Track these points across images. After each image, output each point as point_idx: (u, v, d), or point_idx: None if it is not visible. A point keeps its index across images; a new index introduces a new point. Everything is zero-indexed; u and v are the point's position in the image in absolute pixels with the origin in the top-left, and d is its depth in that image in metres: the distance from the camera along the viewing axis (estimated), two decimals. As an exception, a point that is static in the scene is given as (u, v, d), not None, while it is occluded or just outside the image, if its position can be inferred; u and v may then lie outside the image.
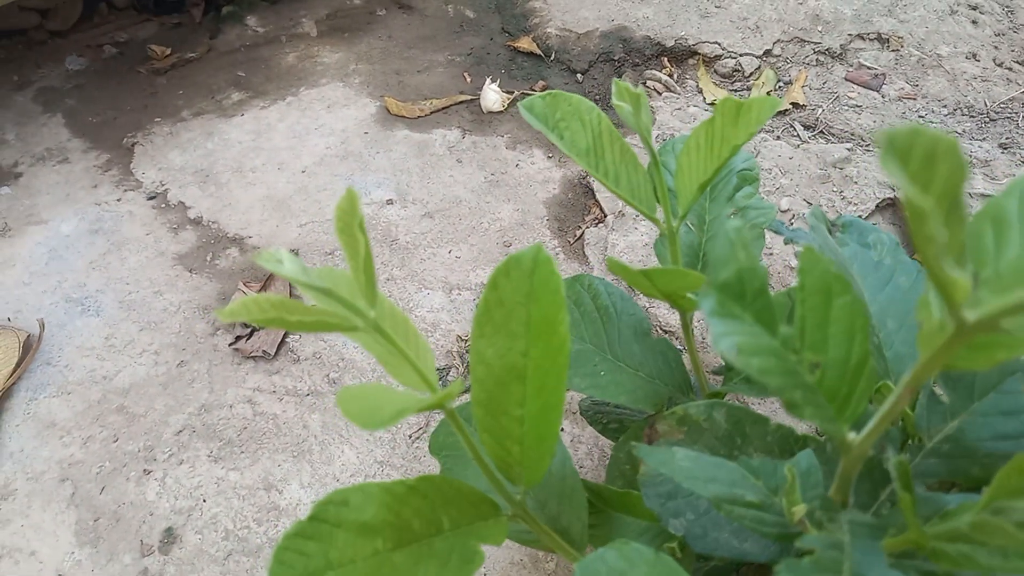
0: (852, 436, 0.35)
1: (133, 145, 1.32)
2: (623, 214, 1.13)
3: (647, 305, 1.01)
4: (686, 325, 0.61)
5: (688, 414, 0.54)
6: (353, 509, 0.43)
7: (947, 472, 0.48)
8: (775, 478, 0.46)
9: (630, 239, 1.11)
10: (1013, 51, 1.38)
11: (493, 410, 0.48)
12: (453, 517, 0.47)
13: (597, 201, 1.17)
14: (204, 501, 0.85)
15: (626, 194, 0.56)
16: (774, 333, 0.34)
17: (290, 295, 1.06)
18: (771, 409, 0.87)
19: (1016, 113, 1.24)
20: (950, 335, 0.27)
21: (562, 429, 0.90)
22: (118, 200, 1.22)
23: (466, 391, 0.87)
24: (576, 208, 1.17)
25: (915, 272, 0.58)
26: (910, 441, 0.50)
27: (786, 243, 0.72)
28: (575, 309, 0.69)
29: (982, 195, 1.09)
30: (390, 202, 1.18)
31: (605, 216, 1.15)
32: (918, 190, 0.20)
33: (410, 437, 0.89)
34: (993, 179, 1.13)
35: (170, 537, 0.82)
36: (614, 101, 0.54)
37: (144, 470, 0.88)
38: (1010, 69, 1.33)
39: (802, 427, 0.82)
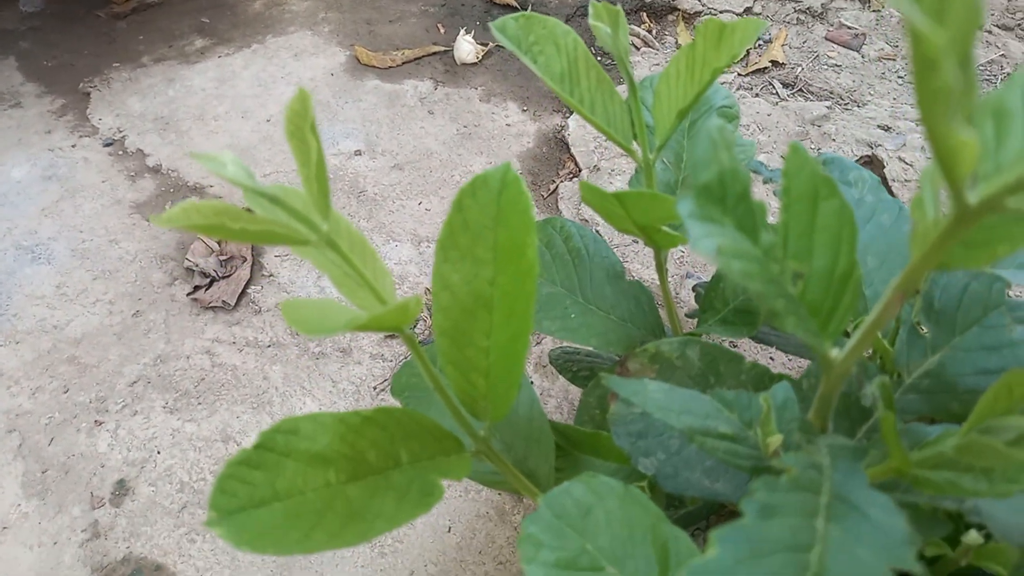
0: (835, 353, 0.33)
1: (90, 91, 1.27)
2: (598, 168, 1.11)
3: (622, 256, 0.99)
4: (660, 265, 0.59)
5: (660, 351, 0.52)
6: (303, 438, 0.41)
7: (927, 408, 0.46)
8: (750, 411, 0.43)
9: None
10: (992, 15, 1.36)
11: (458, 341, 0.45)
12: (413, 451, 0.44)
13: (572, 155, 1.14)
14: (158, 453, 0.81)
15: (601, 122, 0.53)
16: (756, 241, 0.32)
17: (251, 247, 1.02)
18: (746, 351, 0.86)
19: (995, 76, 1.23)
20: (948, 224, 0.24)
21: (531, 382, 0.88)
22: (73, 146, 1.17)
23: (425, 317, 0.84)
24: (550, 162, 1.14)
25: (896, 210, 0.56)
26: (890, 379, 0.48)
27: (765, 183, 0.70)
28: (546, 252, 0.67)
29: (960, 154, 1.08)
30: (358, 153, 1.14)
31: (580, 170, 1.12)
32: (932, 22, 0.18)
33: (375, 389, 0.86)
34: (970, 140, 1.11)
35: (122, 489, 0.79)
36: (591, 22, 0.51)
37: (95, 421, 0.84)
38: (989, 32, 1.32)
39: (777, 366, 0.81)
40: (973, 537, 0.44)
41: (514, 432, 0.56)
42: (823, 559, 0.27)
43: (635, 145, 0.56)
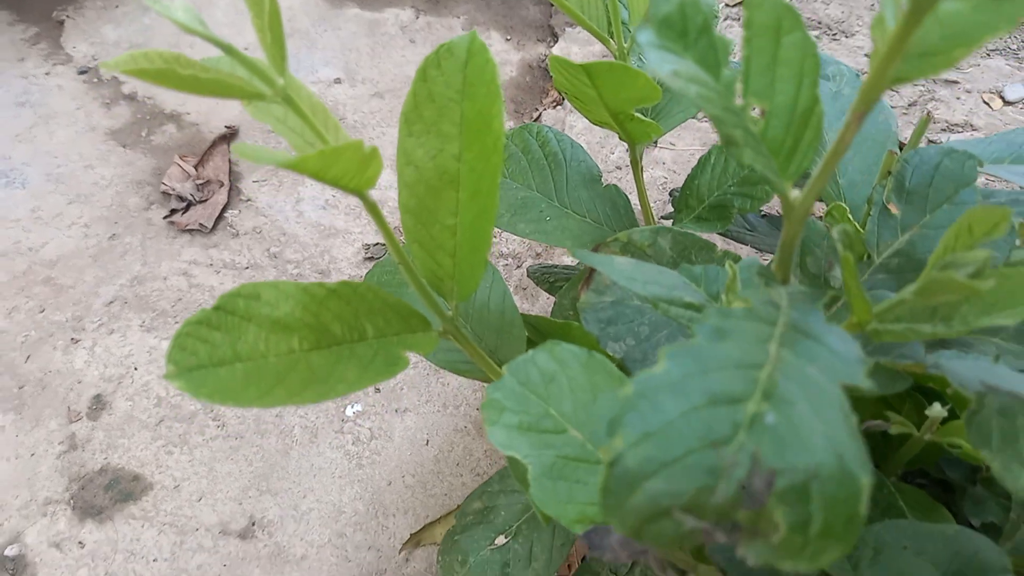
0: (795, 194, 0.32)
1: (64, 19, 1.24)
2: (581, 96, 1.09)
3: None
4: (635, 162, 0.58)
5: (632, 240, 0.52)
6: (265, 304, 0.40)
7: (896, 287, 0.46)
8: (716, 283, 0.43)
9: (588, 121, 1.07)
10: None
11: (424, 219, 0.44)
12: (378, 326, 0.44)
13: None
14: (135, 369, 0.81)
15: (574, 7, 0.52)
16: (717, 77, 0.31)
17: (229, 171, 1.01)
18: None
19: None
20: (905, 17, 0.24)
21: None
22: (46, 74, 1.14)
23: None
24: (534, 91, 1.13)
25: (873, 102, 0.55)
26: (861, 260, 0.48)
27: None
28: (523, 157, 0.66)
29: (946, 81, 1.07)
30: (338, 81, 1.12)
31: (563, 99, 1.10)
32: None
33: (353, 307, 0.85)
34: (958, 68, 1.11)
35: (99, 404, 0.78)
36: (562, -100, 0.50)
37: (72, 339, 0.83)
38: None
39: (747, 254, 0.81)
40: (936, 410, 0.45)
41: (485, 324, 0.56)
42: (772, 376, 0.27)
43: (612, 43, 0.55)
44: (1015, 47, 1.15)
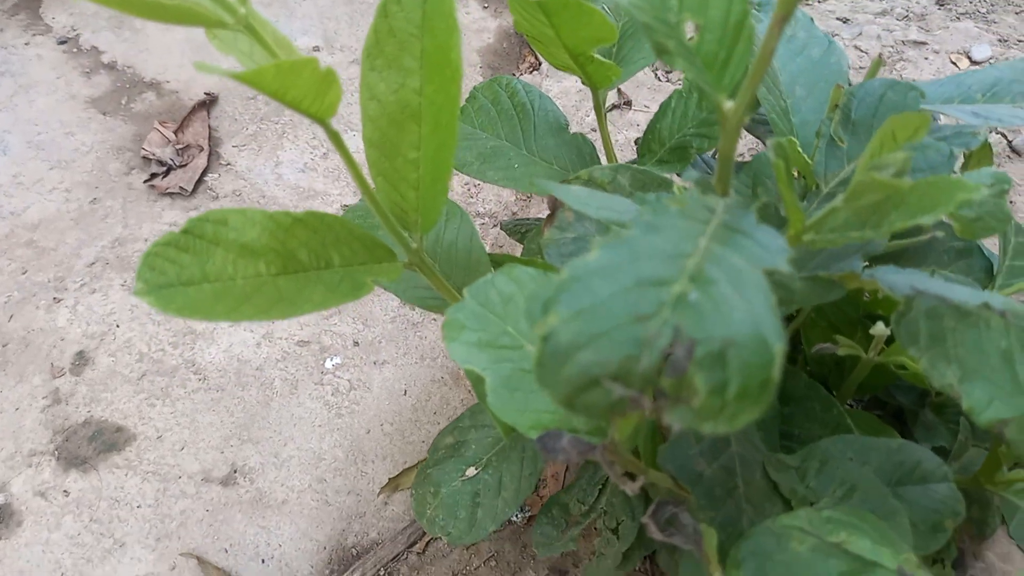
0: (728, 105, 0.34)
1: (41, -10, 1.24)
2: (557, 60, 1.10)
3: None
4: (598, 107, 0.60)
5: (593, 176, 0.53)
6: (232, 229, 0.42)
7: (841, 213, 0.48)
8: (669, 208, 0.45)
9: (564, 84, 1.08)
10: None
11: (387, 152, 0.46)
12: (344, 255, 0.46)
13: (532, 49, 1.14)
14: (117, 327, 0.82)
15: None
16: (653, -8, 0.33)
17: (209, 136, 1.02)
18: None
19: (954, -30, 1.23)
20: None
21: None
22: (26, 44, 1.15)
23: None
24: (511, 57, 1.14)
25: (826, 44, 0.57)
26: (809, 192, 0.50)
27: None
28: (492, 108, 0.68)
29: (915, 42, 1.09)
30: (316, 49, 1.13)
31: (540, 64, 1.12)
32: None
33: (331, 264, 0.87)
34: (927, 31, 1.12)
35: (82, 360, 0.80)
36: None
37: (54, 299, 0.85)
38: (952, -71, 1.32)
39: None
40: (880, 328, 0.47)
41: (453, 263, 0.57)
42: (700, 264, 0.29)
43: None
44: (984, 10, 1.17)
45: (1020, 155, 0.88)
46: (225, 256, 0.41)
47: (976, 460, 0.54)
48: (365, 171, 0.44)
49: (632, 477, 0.39)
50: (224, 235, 0.42)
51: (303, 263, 0.44)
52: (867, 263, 0.44)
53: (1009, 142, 0.89)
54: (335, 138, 0.42)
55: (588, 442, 0.36)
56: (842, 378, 0.54)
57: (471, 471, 0.57)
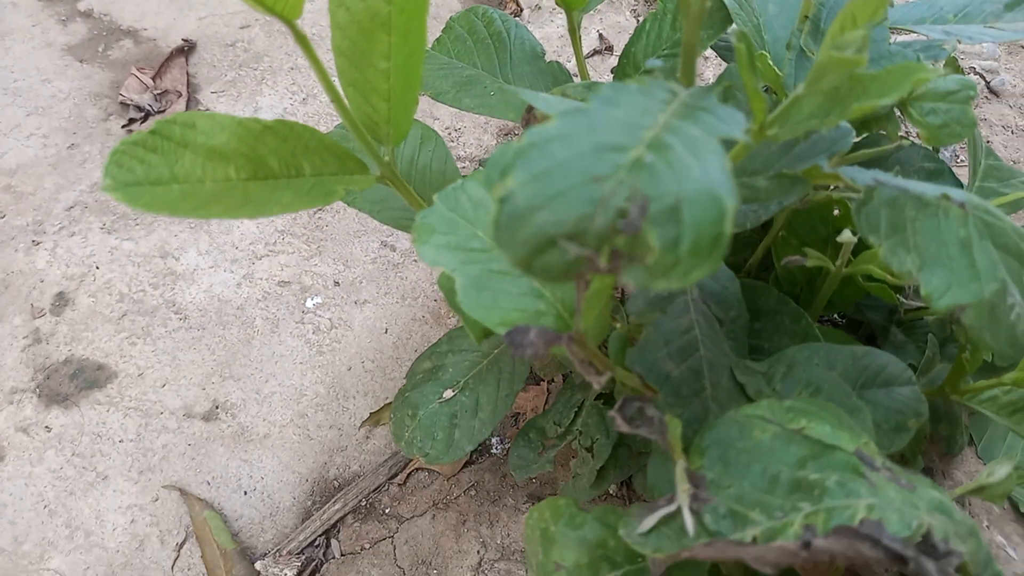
0: (693, -10, 0.34)
1: (16, -60, 1.22)
2: (539, 7, 1.10)
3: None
4: (572, 30, 0.60)
5: (566, 93, 0.53)
6: (201, 133, 0.42)
7: (811, 124, 0.48)
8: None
9: (546, 31, 1.08)
10: None
11: (357, 61, 0.46)
12: (315, 165, 0.46)
13: (513, -3, 1.13)
14: (97, 268, 0.82)
15: None
16: None
17: (187, 82, 1.01)
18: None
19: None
20: None
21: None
22: (0, -7, 1.13)
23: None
24: (491, 2, 1.13)
25: (800, -36, 0.57)
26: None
27: None
28: (468, 38, 0.67)
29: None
30: (297, -4, 1.12)
31: (521, 10, 1.11)
32: None
33: (314, 212, 0.87)
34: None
35: (62, 300, 0.80)
36: None
37: (33, 241, 0.84)
38: None
39: None
40: (847, 236, 0.47)
41: (427, 183, 0.57)
42: (658, 134, 0.29)
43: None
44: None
45: (998, 96, 0.89)
46: (194, 159, 0.41)
47: (943, 375, 0.55)
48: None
49: (599, 372, 0.39)
50: (193, 138, 0.41)
51: (273, 170, 0.44)
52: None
53: (987, 83, 0.90)
54: (302, 41, 0.42)
55: (554, 332, 0.37)
56: (813, 296, 0.54)
57: (448, 393, 0.58)
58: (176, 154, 0.41)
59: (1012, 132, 0.86)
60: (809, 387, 0.44)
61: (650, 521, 0.35)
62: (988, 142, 0.87)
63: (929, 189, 0.38)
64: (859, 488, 0.33)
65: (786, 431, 0.37)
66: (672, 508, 0.35)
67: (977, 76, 0.91)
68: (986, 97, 0.90)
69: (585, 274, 0.28)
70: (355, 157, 0.48)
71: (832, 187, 0.52)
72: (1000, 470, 0.45)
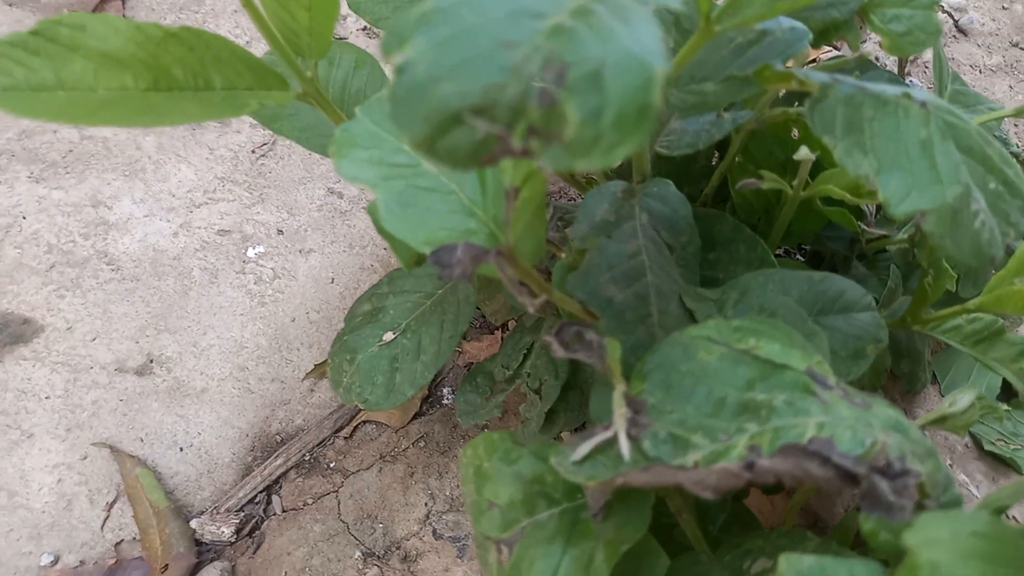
0: None
1: None
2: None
3: None
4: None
5: None
6: (93, 36, 0.37)
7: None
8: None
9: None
10: None
11: (275, -34, 0.42)
12: (227, 78, 0.42)
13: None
14: (24, 218, 0.77)
15: None
16: None
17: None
18: None
19: None
20: None
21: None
22: (-79, -67, 1.06)
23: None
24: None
25: None
26: None
27: None
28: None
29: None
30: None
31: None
32: None
33: (253, 152, 0.83)
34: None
35: (-15, 252, 0.75)
36: None
37: (-46, 191, 0.79)
38: None
39: None
40: (804, 153, 0.44)
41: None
42: (585, 2, 0.26)
43: None
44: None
45: (966, 35, 0.86)
46: (85, 65, 0.37)
47: (905, 308, 0.53)
48: None
49: (533, 295, 0.36)
50: (83, 41, 0.37)
51: (178, 81, 0.40)
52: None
53: (955, 22, 0.87)
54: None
55: (482, 248, 0.34)
56: (771, 226, 0.51)
57: (389, 336, 0.55)
58: (63, 58, 0.37)
59: (980, 71, 0.84)
60: (763, 313, 0.41)
61: (584, 448, 0.32)
62: (955, 84, 0.85)
63: (889, 88, 0.35)
64: (809, 406, 0.30)
65: (734, 351, 0.34)
66: (608, 435, 0.32)
67: (945, 15, 0.89)
68: (954, 36, 0.88)
69: (498, 156, 0.24)
70: (274, 71, 0.44)
71: (786, 96, 0.49)
72: (962, 400, 0.43)
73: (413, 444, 0.66)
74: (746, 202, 0.52)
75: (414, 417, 0.68)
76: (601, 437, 0.32)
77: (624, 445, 0.31)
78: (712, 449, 0.31)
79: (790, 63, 0.40)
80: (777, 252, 0.65)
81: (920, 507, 0.29)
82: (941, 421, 0.44)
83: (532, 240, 0.36)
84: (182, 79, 0.40)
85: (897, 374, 0.57)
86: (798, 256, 0.62)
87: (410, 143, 0.24)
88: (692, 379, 0.34)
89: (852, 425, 0.29)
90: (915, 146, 0.34)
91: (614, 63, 0.23)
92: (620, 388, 0.34)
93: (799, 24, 0.39)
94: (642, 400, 0.34)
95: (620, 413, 0.32)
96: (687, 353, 0.35)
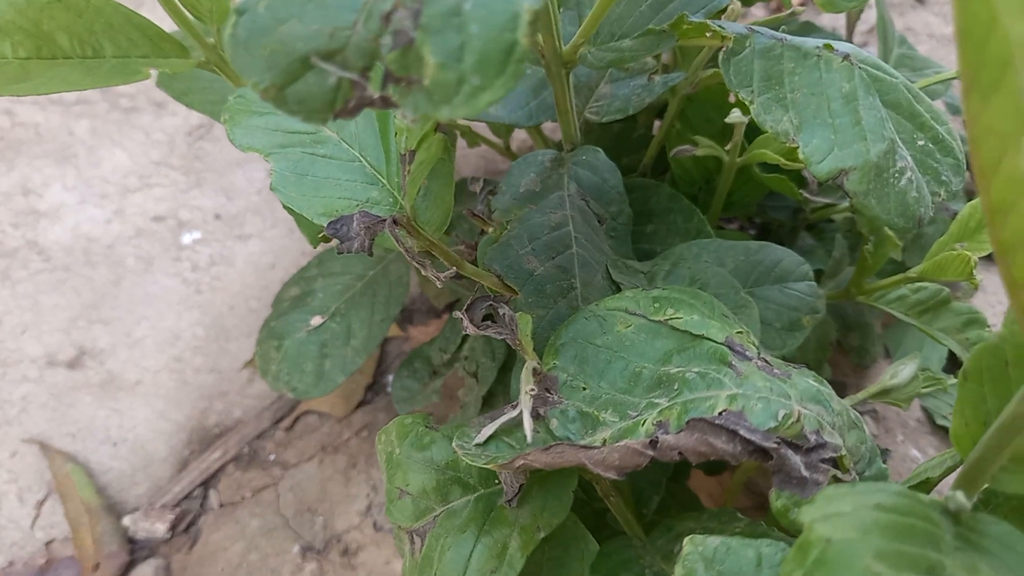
0: None
1: None
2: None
3: None
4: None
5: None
6: (-39, -2, 0.35)
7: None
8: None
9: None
10: None
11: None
12: (120, 46, 0.39)
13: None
14: (-51, 208, 0.74)
15: None
16: None
17: None
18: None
19: None
20: None
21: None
22: None
23: None
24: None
25: None
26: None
27: None
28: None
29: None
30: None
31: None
32: None
33: (190, 135, 0.80)
34: None
35: (-93, 244, 0.72)
36: None
37: None
38: None
39: None
40: (736, 115, 0.42)
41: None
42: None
43: None
44: None
45: (923, 4, 0.85)
46: (-48, 31, 0.34)
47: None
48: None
49: (431, 257, 0.34)
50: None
51: (63, 49, 0.37)
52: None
53: (912, -9, 0.86)
54: None
55: (378, 217, 0.31)
56: (712, 196, 0.49)
57: (317, 320, 0.52)
58: (-75, 20, 0.34)
59: (937, 40, 0.82)
60: (695, 284, 0.39)
61: (489, 430, 0.30)
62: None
63: (810, 40, 0.33)
64: (723, 378, 0.28)
65: (651, 323, 0.32)
66: (514, 414, 0.30)
67: (901, -16, 0.87)
68: (911, 5, 0.86)
69: (357, 106, 0.22)
70: (172, 38, 0.41)
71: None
72: (904, 371, 0.41)
73: (356, 434, 0.64)
74: (685, 171, 0.49)
75: (358, 406, 0.66)
76: (506, 417, 0.30)
77: (528, 425, 0.29)
78: (621, 426, 0.28)
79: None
80: (729, 224, 0.63)
81: (838, 482, 0.27)
82: (884, 394, 0.42)
83: (438, 209, 0.34)
84: (67, 47, 0.37)
85: (846, 347, 0.56)
86: (750, 229, 0.60)
87: (257, 92, 0.21)
88: (608, 353, 0.32)
89: (766, 397, 0.27)
90: (838, 100, 0.32)
91: (477, -1, 0.21)
92: (529, 365, 0.31)
93: (722, -24, 0.36)
94: (554, 376, 0.32)
95: (527, 391, 0.30)
96: (603, 326, 0.33)
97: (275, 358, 0.52)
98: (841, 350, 0.57)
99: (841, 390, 0.56)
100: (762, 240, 0.59)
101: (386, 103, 0.22)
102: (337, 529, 0.59)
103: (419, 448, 0.35)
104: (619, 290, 0.40)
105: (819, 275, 0.51)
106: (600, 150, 0.43)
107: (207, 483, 0.62)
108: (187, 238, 0.73)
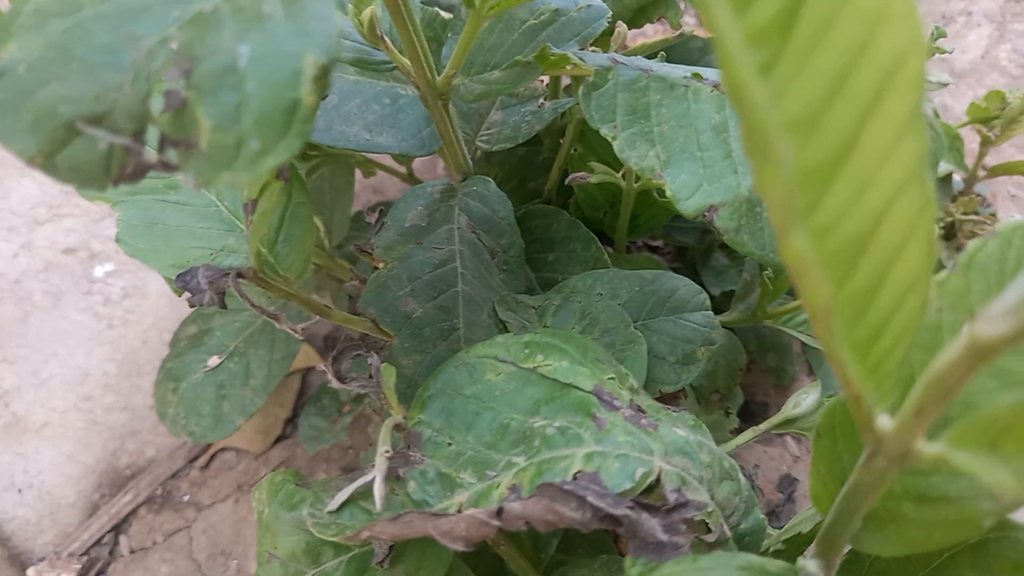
0: None
1: None
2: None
3: None
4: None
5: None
6: None
7: None
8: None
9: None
10: None
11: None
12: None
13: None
14: None
15: None
16: None
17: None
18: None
19: None
20: None
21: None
22: None
23: None
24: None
25: None
26: None
27: None
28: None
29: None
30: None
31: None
32: None
33: (103, 162, 0.77)
34: None
35: None
36: None
37: None
38: None
39: None
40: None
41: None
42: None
43: None
44: None
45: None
46: None
47: (763, 300, 0.50)
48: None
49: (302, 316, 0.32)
50: None
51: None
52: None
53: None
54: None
55: (222, 269, 0.29)
56: (613, 218, 0.48)
57: (214, 360, 0.50)
58: None
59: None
60: (584, 319, 0.38)
61: (343, 495, 0.28)
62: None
63: (677, 69, 0.31)
64: (583, 434, 0.27)
65: (521, 371, 0.30)
66: (370, 477, 0.28)
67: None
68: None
69: (136, 172, 0.20)
70: None
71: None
72: (806, 400, 0.40)
73: (273, 471, 0.61)
74: (589, 196, 0.48)
75: (276, 441, 0.63)
76: (362, 480, 0.28)
77: (379, 491, 0.27)
78: (478, 489, 0.27)
79: (593, 47, 0.36)
80: (653, 245, 0.62)
81: (701, 543, 0.25)
82: (788, 423, 0.41)
83: (298, 256, 0.32)
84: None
85: (765, 368, 0.55)
86: (666, 249, 0.59)
87: (24, 160, 0.19)
88: (477, 404, 0.30)
89: (625, 454, 0.26)
90: (707, 132, 0.30)
91: (256, 54, 0.19)
92: (390, 421, 0.30)
93: (597, 1, 0.35)
94: (418, 432, 0.30)
95: (383, 452, 0.28)
96: (473, 375, 0.31)
97: (172, 401, 0.50)
98: (760, 369, 0.56)
99: (764, 411, 0.55)
100: (677, 261, 0.58)
101: (167, 167, 0.20)
102: (251, 573, 0.57)
103: (288, 508, 0.33)
104: (506, 329, 0.38)
105: (731, 296, 0.50)
106: (491, 180, 0.41)
107: (117, 528, 0.60)
108: (99, 270, 0.70)
